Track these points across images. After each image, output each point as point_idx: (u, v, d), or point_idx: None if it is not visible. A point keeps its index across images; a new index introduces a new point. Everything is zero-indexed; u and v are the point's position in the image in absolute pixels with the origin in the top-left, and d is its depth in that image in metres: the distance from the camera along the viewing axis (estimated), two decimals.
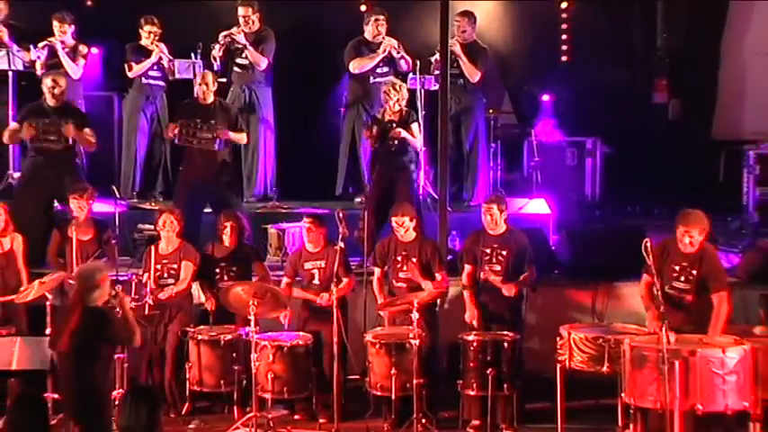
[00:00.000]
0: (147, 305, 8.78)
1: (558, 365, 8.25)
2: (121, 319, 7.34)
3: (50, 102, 10.21)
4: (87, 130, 10.28)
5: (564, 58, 12.96)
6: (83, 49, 11.19)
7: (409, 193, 10.22)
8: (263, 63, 11.40)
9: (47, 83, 10.23)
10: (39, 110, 10.22)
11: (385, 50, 11.30)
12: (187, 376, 8.83)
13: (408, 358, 8.46)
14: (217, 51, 11.28)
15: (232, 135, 10.43)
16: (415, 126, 10.35)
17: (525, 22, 12.65)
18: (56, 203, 10.26)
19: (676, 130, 13.06)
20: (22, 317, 9.03)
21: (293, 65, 11.85)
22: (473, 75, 11.37)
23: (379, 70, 11.41)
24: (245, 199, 11.30)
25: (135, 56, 11.33)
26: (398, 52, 11.28)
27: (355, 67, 11.40)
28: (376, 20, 11.38)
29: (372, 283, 9.15)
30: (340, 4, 12.39)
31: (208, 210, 10.42)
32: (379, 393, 8.65)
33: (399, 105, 10.26)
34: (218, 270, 9.22)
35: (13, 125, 10.40)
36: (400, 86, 10.31)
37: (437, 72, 10.85)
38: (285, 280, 9.27)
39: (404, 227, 9.06)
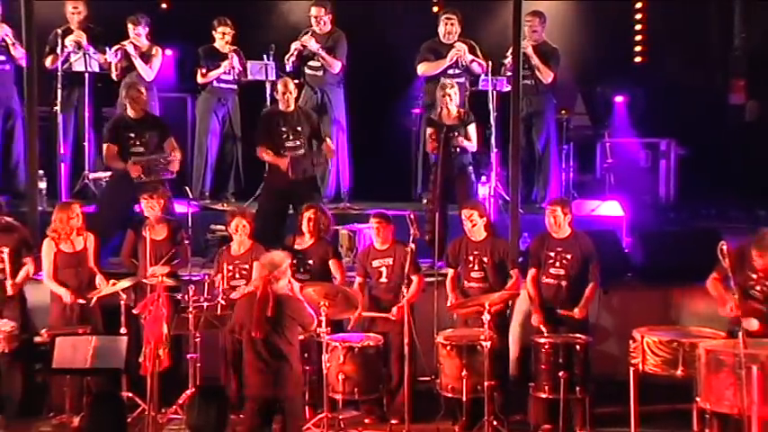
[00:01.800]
0: (219, 305, 8.83)
1: (632, 369, 8.15)
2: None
3: (131, 113, 10.31)
4: (169, 140, 10.31)
5: (638, 59, 12.81)
6: (156, 51, 11.30)
7: (469, 194, 10.23)
8: (336, 66, 11.42)
9: (128, 93, 10.34)
10: (122, 125, 10.28)
11: (452, 59, 11.24)
12: None
13: (479, 360, 8.43)
14: (290, 60, 11.32)
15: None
16: (471, 127, 10.37)
17: (598, 21, 12.53)
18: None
19: (753, 131, 12.85)
20: (97, 316, 9.13)
21: (365, 65, 11.85)
22: (546, 76, 11.29)
23: (450, 71, 11.38)
24: None
25: (207, 60, 11.42)
26: (469, 58, 11.19)
27: (422, 71, 11.39)
28: (447, 19, 11.35)
29: (445, 284, 9.12)
30: (412, 4, 12.37)
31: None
32: (449, 395, 8.63)
33: (457, 107, 10.31)
34: (295, 261, 9.18)
35: (106, 147, 10.30)
36: (455, 89, 10.35)
37: (509, 74, 10.79)
38: (358, 280, 9.29)
39: (471, 220, 9.02)
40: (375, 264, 9.17)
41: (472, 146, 10.39)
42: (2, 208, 9.37)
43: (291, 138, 10.36)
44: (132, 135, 10.22)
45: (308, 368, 8.57)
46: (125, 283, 9.00)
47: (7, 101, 11.12)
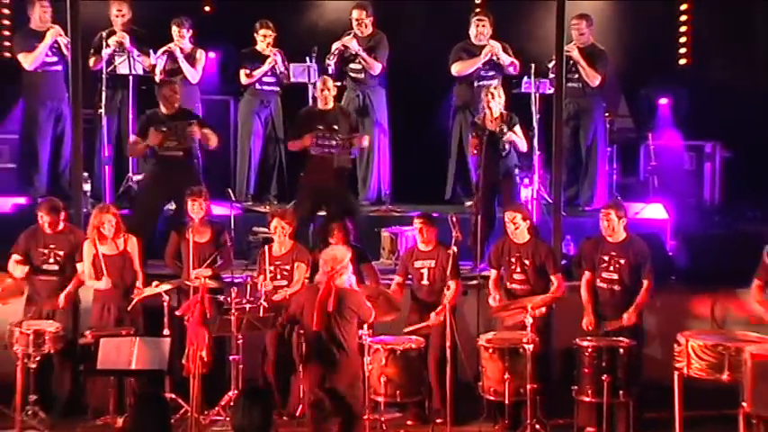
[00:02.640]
0: (261, 307, 8.85)
1: (676, 373, 8.09)
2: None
3: (165, 110, 10.37)
4: (207, 129, 10.42)
5: (683, 61, 12.71)
6: (200, 53, 11.35)
7: (514, 198, 10.21)
8: (376, 68, 11.42)
9: (163, 91, 10.40)
10: (155, 119, 10.37)
11: (486, 56, 11.23)
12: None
13: (522, 363, 8.40)
14: (331, 61, 11.34)
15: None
16: (517, 129, 10.36)
17: (643, 23, 12.43)
18: (170, 206, 10.42)
19: None
20: (139, 317, 9.17)
21: (406, 67, 11.84)
22: (593, 79, 11.24)
23: (483, 72, 11.35)
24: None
25: (249, 62, 11.45)
26: (500, 57, 11.16)
27: (456, 70, 11.37)
28: (479, 20, 11.34)
29: (487, 286, 9.10)
30: (452, 5, 12.35)
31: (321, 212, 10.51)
32: (492, 398, 8.62)
33: (500, 110, 10.28)
34: None
35: (132, 138, 10.53)
36: (499, 91, 10.35)
37: (553, 75, 10.74)
38: (396, 279, 9.30)
39: (515, 223, 9.00)
40: (417, 264, 9.17)
41: (522, 144, 10.36)
42: (65, 212, 9.40)
43: (328, 135, 10.37)
44: (164, 129, 10.27)
45: None
46: (167, 285, 9.04)
47: (59, 104, 11.18)
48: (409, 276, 9.25)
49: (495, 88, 10.41)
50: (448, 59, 11.55)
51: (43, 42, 11.01)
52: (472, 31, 11.34)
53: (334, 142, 10.33)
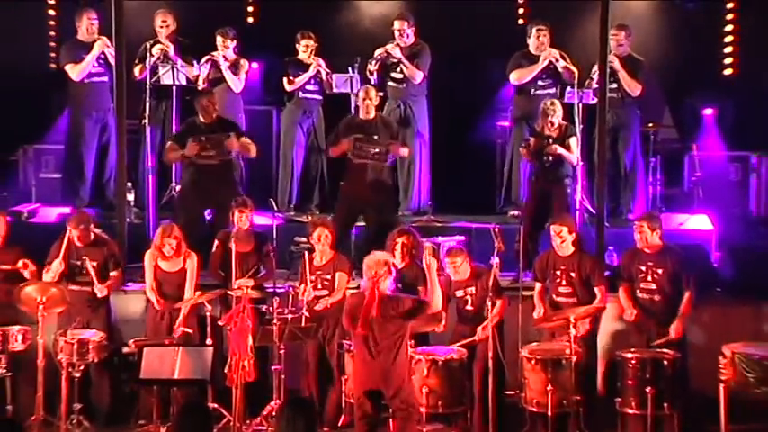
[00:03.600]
0: (303, 317, 8.86)
1: (721, 386, 8.01)
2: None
3: (204, 119, 10.42)
4: (245, 138, 10.44)
5: (728, 71, 12.60)
6: (244, 63, 11.40)
7: (564, 208, 10.14)
8: (418, 77, 11.41)
9: (201, 101, 10.44)
10: (193, 128, 10.42)
11: (545, 60, 11.20)
12: (343, 389, 8.87)
13: (565, 374, 8.36)
14: (373, 66, 11.35)
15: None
16: (573, 141, 10.33)
17: (688, 33, 12.35)
18: (207, 215, 10.46)
19: None
20: (193, 325, 9.16)
21: (448, 77, 11.83)
22: (633, 89, 11.18)
23: (541, 82, 11.31)
24: (399, 212, 11.32)
25: (293, 70, 11.48)
26: (560, 61, 11.13)
27: (516, 78, 11.33)
28: (539, 30, 11.29)
29: (532, 297, 9.08)
30: (496, 16, 12.33)
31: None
32: (534, 409, 8.57)
33: (558, 121, 10.25)
34: None
35: (169, 143, 10.57)
36: (557, 104, 10.34)
37: (596, 86, 10.70)
38: None
39: (561, 236, 8.97)
40: (459, 293, 9.08)
41: (572, 157, 10.32)
42: (94, 222, 9.49)
43: (373, 144, 10.37)
44: (202, 139, 10.31)
45: None
46: (210, 294, 9.08)
47: (104, 114, 11.30)
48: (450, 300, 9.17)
49: (552, 103, 10.35)
50: (490, 70, 11.53)
51: (91, 53, 11.12)
52: (531, 41, 11.29)
53: (372, 150, 10.32)
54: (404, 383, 7.77)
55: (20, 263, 9.16)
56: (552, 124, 10.27)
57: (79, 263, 9.22)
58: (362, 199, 10.39)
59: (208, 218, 10.49)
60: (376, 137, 10.42)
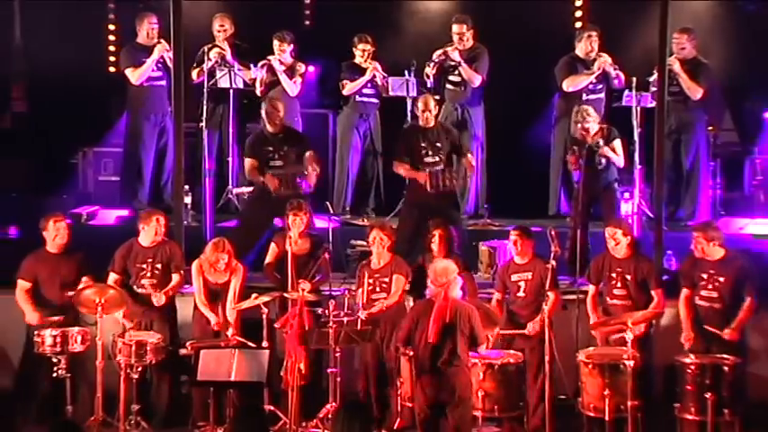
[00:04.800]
0: (359, 320, 8.86)
1: None
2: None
3: (270, 128, 10.44)
4: (309, 154, 10.39)
5: None
6: (300, 67, 11.44)
7: (613, 212, 10.11)
8: (476, 80, 11.38)
9: (265, 108, 10.47)
10: (262, 140, 10.42)
11: (600, 68, 11.12)
12: (398, 392, 8.86)
13: (622, 379, 8.30)
14: (431, 69, 11.33)
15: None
16: (617, 143, 10.28)
17: (749, 35, 12.20)
18: (276, 221, 10.48)
19: None
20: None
21: (505, 80, 11.78)
22: (694, 92, 11.06)
23: (592, 87, 11.24)
24: None
25: (349, 74, 11.50)
26: (614, 69, 11.07)
27: (569, 85, 11.25)
28: (589, 36, 11.22)
29: (586, 301, 9.02)
30: (554, 18, 12.26)
31: None
32: (591, 414, 8.52)
33: (597, 125, 10.20)
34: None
35: (250, 161, 10.42)
36: (589, 110, 10.30)
37: (654, 89, 10.60)
38: (496, 296, 9.25)
39: (615, 239, 8.93)
40: (514, 278, 9.12)
41: (619, 160, 10.26)
42: (163, 224, 9.53)
43: (431, 153, 10.35)
44: (271, 149, 10.34)
45: None
46: (266, 297, 9.11)
47: (162, 118, 11.40)
48: (507, 291, 9.19)
49: (578, 111, 10.28)
50: (545, 72, 11.46)
51: (151, 57, 11.23)
52: (582, 46, 11.23)
53: (448, 181, 10.21)
54: (465, 396, 7.80)
55: (83, 280, 9.21)
56: (589, 130, 10.18)
57: (145, 266, 9.28)
58: (427, 206, 10.26)
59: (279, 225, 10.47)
60: (439, 144, 10.32)
